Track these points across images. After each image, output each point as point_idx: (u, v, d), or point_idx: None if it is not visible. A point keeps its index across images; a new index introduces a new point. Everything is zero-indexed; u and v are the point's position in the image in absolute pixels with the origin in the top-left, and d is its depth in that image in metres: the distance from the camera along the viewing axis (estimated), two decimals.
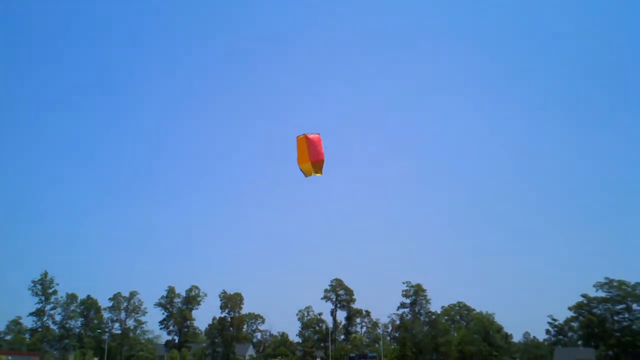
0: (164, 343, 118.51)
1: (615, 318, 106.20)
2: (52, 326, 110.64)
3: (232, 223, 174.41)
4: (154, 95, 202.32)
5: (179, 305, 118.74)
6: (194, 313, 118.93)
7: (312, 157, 12.47)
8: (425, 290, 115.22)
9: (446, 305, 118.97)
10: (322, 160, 12.70)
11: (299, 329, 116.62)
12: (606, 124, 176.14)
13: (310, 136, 12.57)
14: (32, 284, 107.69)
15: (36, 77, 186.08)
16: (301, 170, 12.85)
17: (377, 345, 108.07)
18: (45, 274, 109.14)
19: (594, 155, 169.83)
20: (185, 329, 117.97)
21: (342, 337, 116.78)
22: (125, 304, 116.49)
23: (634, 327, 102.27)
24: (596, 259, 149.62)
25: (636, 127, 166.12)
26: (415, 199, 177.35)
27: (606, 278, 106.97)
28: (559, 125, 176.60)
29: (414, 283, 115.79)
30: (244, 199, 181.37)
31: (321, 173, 12.95)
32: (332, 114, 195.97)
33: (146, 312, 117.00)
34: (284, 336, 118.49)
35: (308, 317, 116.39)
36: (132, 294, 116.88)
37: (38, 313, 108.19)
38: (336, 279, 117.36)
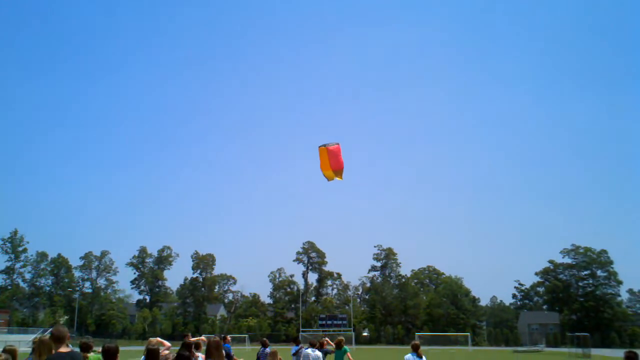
0: (135, 302, 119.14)
1: (580, 284, 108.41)
2: (22, 284, 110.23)
3: (205, 183, 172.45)
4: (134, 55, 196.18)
5: (151, 265, 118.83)
6: (166, 273, 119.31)
7: (333, 166, 14.17)
8: (396, 254, 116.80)
9: (416, 269, 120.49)
10: (342, 168, 14.44)
11: (271, 290, 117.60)
12: (581, 98, 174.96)
13: (331, 147, 14.16)
14: (2, 242, 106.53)
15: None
16: (324, 175, 14.43)
17: (347, 307, 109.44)
18: (15, 231, 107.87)
19: (564, 123, 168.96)
20: (157, 289, 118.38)
21: (313, 298, 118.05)
22: (96, 263, 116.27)
23: (597, 292, 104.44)
24: (564, 225, 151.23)
25: (605, 100, 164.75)
26: (387, 163, 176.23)
27: (573, 245, 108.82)
28: (530, 93, 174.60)
29: (385, 247, 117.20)
30: (218, 160, 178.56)
31: (341, 178, 14.58)
32: (315, 84, 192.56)
33: (117, 272, 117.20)
34: (255, 297, 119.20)
35: (280, 279, 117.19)
36: (104, 253, 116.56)
37: (8, 271, 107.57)
38: (308, 242, 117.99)
